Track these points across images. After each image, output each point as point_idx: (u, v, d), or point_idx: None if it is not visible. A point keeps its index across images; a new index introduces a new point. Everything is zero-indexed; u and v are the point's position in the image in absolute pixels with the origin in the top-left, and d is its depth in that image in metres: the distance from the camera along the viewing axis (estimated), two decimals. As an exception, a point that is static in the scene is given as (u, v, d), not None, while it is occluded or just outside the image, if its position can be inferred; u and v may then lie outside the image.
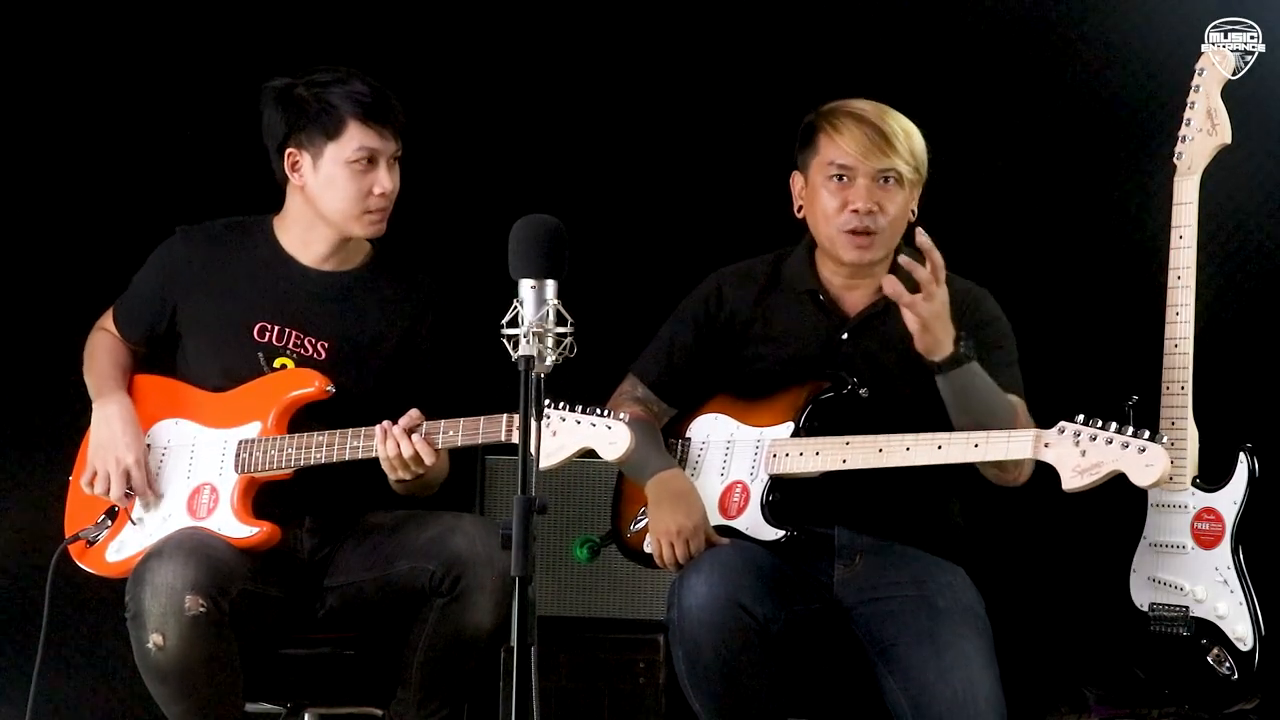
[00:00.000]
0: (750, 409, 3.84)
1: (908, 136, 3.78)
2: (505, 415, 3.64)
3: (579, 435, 3.54)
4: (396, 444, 3.70)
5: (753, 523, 3.75)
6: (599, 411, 3.55)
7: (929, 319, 3.62)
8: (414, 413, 3.72)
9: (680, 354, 3.96)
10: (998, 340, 3.86)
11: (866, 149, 3.75)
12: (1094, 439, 3.47)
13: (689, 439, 3.89)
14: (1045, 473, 3.93)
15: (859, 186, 3.76)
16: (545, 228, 3.13)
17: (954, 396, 3.68)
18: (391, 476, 3.76)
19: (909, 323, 3.64)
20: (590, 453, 3.55)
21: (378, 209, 3.85)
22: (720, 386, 3.92)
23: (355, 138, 3.81)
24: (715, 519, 3.78)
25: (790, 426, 3.78)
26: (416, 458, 3.70)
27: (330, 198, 3.84)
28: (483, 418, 3.68)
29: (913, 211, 3.82)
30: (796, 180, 3.88)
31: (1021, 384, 3.86)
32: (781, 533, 3.72)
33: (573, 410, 3.55)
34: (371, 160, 3.82)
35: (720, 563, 3.65)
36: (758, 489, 3.76)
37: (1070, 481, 3.50)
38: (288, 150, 3.85)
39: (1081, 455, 3.48)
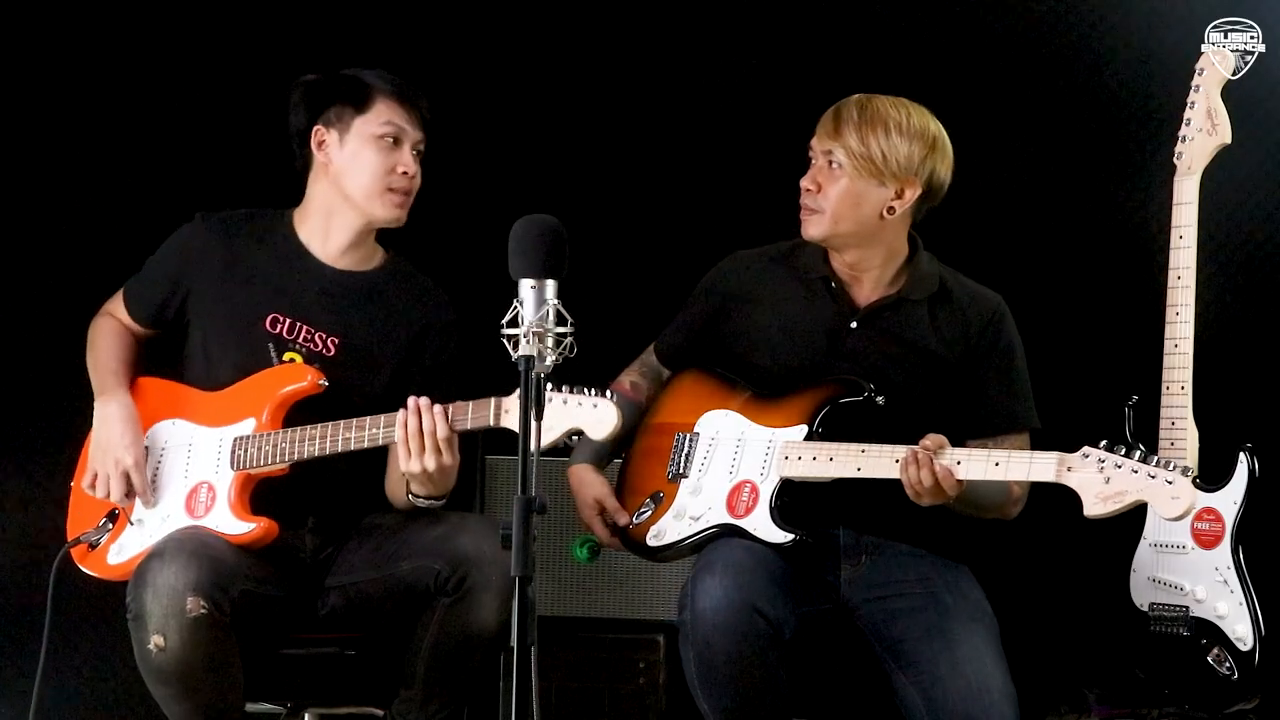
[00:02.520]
0: (761, 408, 3.84)
1: (869, 128, 3.78)
2: (493, 399, 3.63)
3: (566, 416, 3.53)
4: (419, 418, 3.67)
5: (761, 524, 3.74)
6: (586, 390, 3.54)
7: (916, 499, 3.66)
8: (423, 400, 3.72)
9: (689, 329, 4.00)
10: (1018, 370, 3.89)
11: (820, 131, 3.83)
12: (1119, 467, 3.45)
13: (697, 434, 3.89)
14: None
15: (812, 168, 3.83)
16: (545, 227, 3.13)
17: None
18: (404, 466, 3.70)
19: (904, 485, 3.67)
20: (580, 433, 3.55)
21: (400, 189, 3.87)
22: (732, 371, 3.93)
23: (383, 112, 3.85)
24: (722, 517, 3.78)
25: (804, 429, 3.77)
26: (434, 434, 3.66)
27: (355, 172, 3.86)
28: (471, 403, 3.66)
29: (890, 210, 3.81)
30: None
31: (1035, 412, 3.89)
32: (791, 536, 3.71)
33: (559, 390, 3.54)
34: (397, 140, 3.85)
35: (734, 565, 3.65)
36: (767, 490, 3.75)
37: (1092, 508, 3.48)
38: (315, 128, 3.88)
39: (1105, 482, 3.46)
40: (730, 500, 3.78)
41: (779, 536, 3.71)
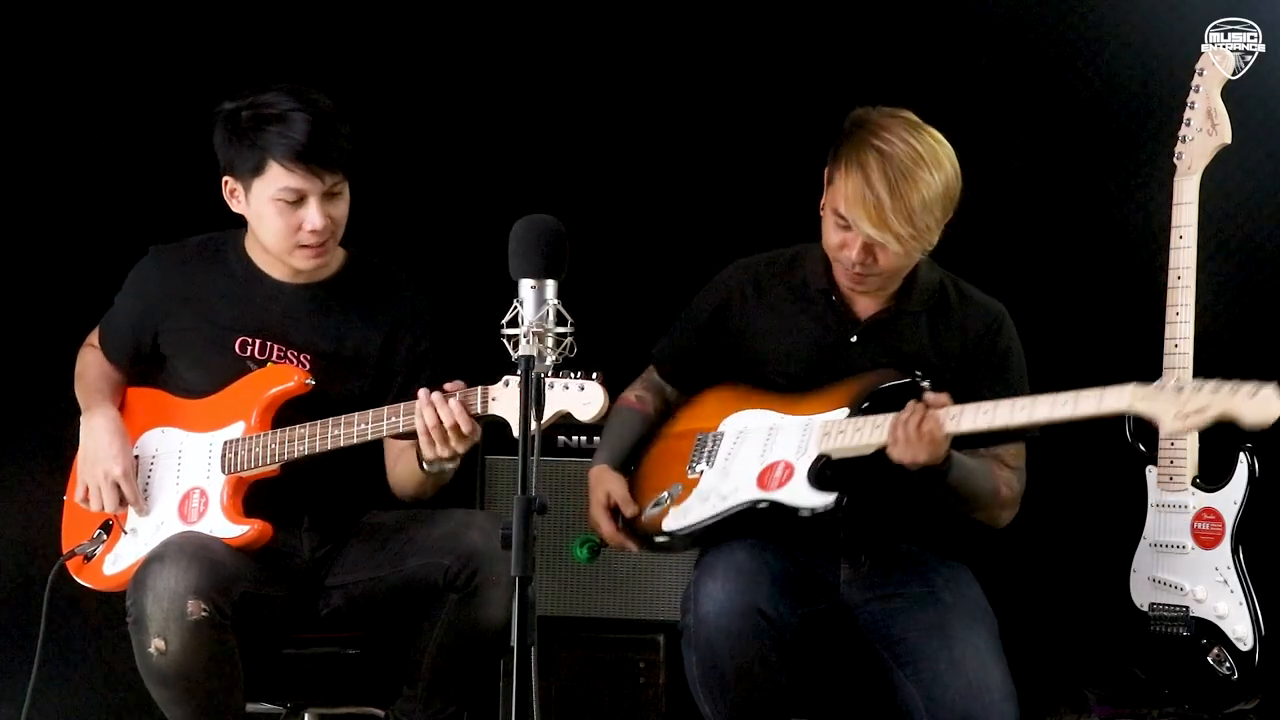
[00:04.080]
0: (793, 402, 3.80)
1: (908, 211, 3.67)
2: (480, 387, 3.61)
3: (554, 400, 3.48)
4: (435, 411, 3.63)
5: (798, 492, 3.67)
6: (572, 374, 3.53)
7: (902, 459, 3.61)
8: (457, 382, 3.67)
9: (689, 341, 3.98)
10: (1014, 378, 3.86)
11: (861, 217, 3.68)
12: (1199, 389, 3.40)
13: (721, 433, 3.86)
14: (1045, 470, 3.93)
15: (856, 238, 3.73)
16: (545, 227, 3.13)
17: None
18: (429, 454, 3.65)
19: (889, 447, 3.62)
20: (569, 417, 3.53)
21: (310, 244, 3.79)
22: (739, 378, 3.91)
23: (279, 179, 3.74)
24: (754, 493, 3.73)
25: (845, 411, 3.73)
26: (456, 427, 3.63)
27: (263, 231, 3.81)
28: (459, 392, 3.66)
29: (926, 251, 3.78)
30: (827, 175, 3.82)
31: None
32: (833, 496, 3.65)
33: (544, 375, 3.51)
34: (297, 200, 3.75)
35: (735, 567, 3.64)
36: (804, 464, 3.69)
37: (1171, 424, 3.42)
38: (225, 178, 3.82)
39: (1184, 402, 3.40)
40: (761, 478, 3.74)
41: (819, 500, 3.65)
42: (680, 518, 3.77)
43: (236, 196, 3.82)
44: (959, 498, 3.77)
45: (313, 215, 3.76)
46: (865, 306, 3.87)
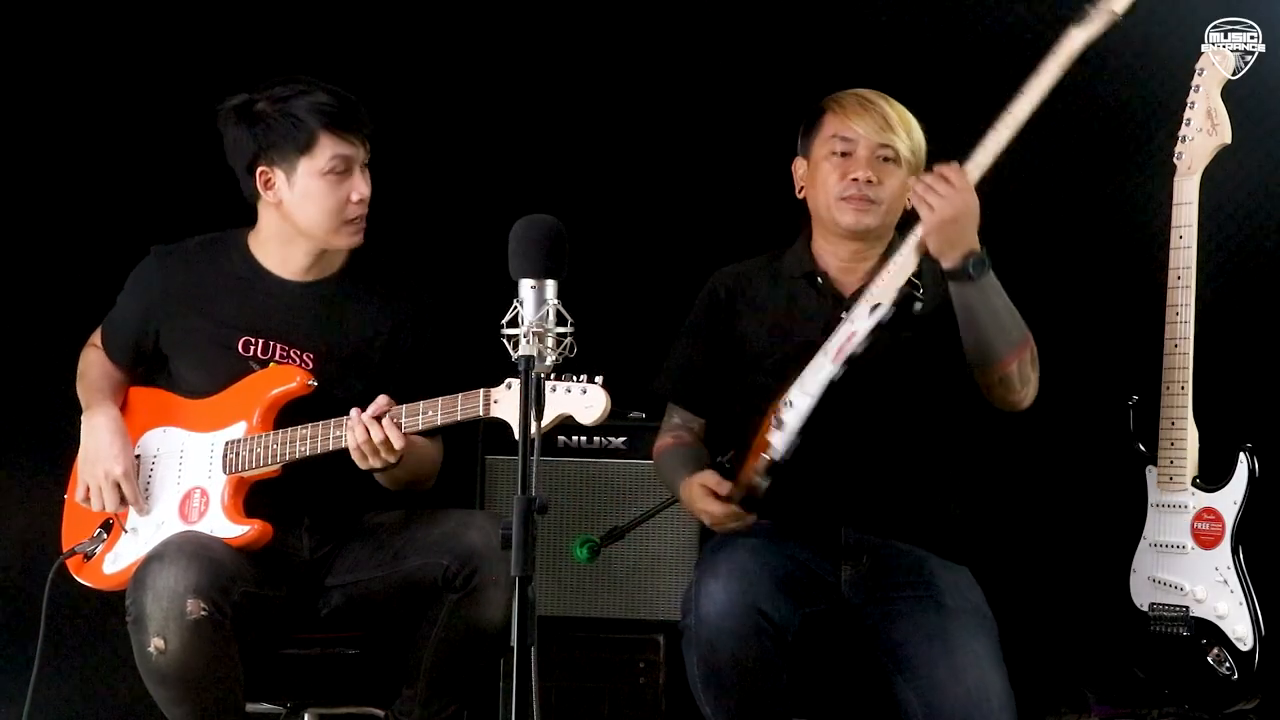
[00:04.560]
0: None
1: (908, 123, 3.85)
2: (483, 390, 3.62)
3: (556, 403, 3.51)
4: (365, 430, 3.68)
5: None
6: (574, 376, 3.53)
7: (942, 218, 3.63)
8: (382, 398, 3.71)
9: (689, 361, 3.98)
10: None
11: (868, 125, 3.81)
12: None
13: (789, 400, 3.77)
14: (1045, 470, 3.93)
15: (859, 159, 3.81)
16: (545, 227, 3.13)
17: (960, 310, 3.71)
18: (361, 466, 3.72)
19: (924, 220, 3.65)
20: (570, 420, 3.54)
21: (356, 217, 3.82)
22: (739, 377, 3.90)
23: (328, 148, 3.77)
24: (830, 369, 3.68)
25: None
26: (386, 443, 3.68)
27: (309, 212, 3.82)
28: (460, 394, 3.65)
29: (908, 199, 3.83)
30: (799, 165, 3.92)
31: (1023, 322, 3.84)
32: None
33: (548, 378, 3.52)
34: (346, 169, 3.79)
35: (737, 568, 3.64)
36: (868, 324, 3.70)
37: None
38: (259, 169, 3.82)
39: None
40: (835, 354, 3.71)
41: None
42: (782, 434, 3.69)
43: (273, 185, 3.82)
44: (992, 315, 3.72)
45: (359, 183, 3.81)
46: (849, 284, 3.88)
